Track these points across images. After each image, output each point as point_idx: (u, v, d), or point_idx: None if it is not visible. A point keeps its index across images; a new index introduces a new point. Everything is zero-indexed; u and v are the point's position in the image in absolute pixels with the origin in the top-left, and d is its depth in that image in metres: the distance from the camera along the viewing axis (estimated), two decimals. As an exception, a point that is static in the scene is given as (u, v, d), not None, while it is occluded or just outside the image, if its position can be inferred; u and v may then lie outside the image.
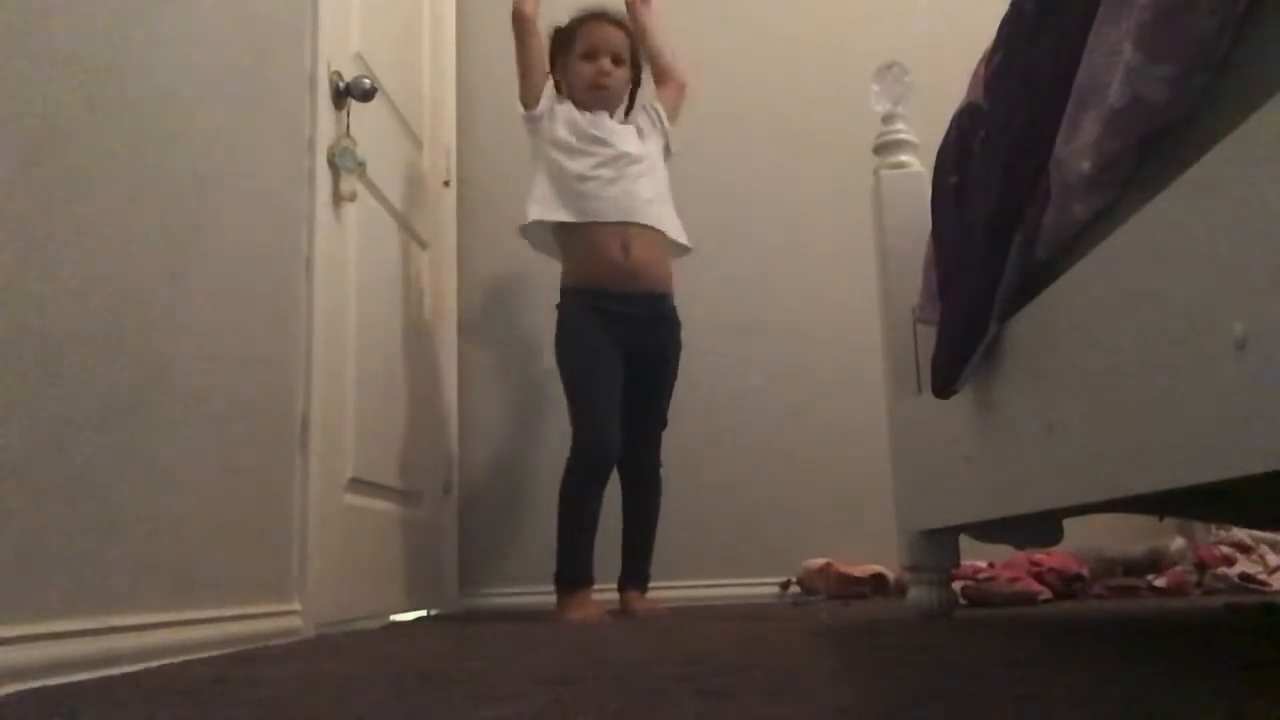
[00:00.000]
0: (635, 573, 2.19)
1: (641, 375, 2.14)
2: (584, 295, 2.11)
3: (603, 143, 2.16)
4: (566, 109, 2.21)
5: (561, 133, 2.17)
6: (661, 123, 2.31)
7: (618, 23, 2.30)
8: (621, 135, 2.22)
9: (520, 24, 2.17)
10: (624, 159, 2.15)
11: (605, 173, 2.12)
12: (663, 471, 2.23)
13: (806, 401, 2.70)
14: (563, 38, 2.29)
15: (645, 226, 2.12)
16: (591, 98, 2.23)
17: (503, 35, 2.22)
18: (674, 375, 2.23)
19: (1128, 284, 0.79)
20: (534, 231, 2.18)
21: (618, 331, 2.09)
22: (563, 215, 2.11)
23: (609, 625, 1.80)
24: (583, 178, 2.12)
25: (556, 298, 2.18)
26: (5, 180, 0.99)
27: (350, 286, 1.96)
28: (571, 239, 2.15)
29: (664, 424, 2.22)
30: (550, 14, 2.26)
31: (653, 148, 2.26)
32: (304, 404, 1.71)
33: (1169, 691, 0.75)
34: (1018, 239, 1.07)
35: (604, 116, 2.23)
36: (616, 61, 2.26)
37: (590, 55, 2.23)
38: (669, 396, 2.22)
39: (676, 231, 2.20)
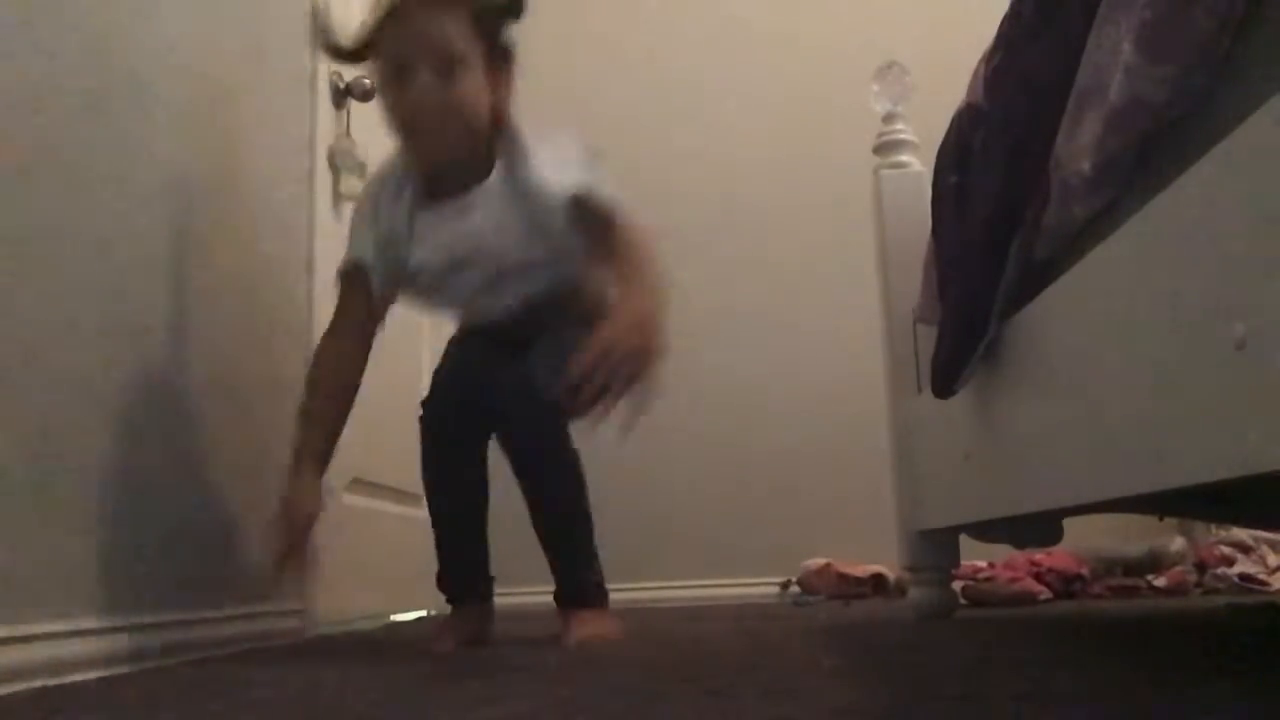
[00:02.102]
0: (563, 582, 1.48)
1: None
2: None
3: (464, 289, 1.39)
4: (403, 205, 1.36)
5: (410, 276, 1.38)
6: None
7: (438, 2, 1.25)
8: (488, 238, 1.33)
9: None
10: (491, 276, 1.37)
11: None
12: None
13: (807, 401, 2.70)
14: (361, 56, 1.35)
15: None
16: (421, 151, 1.33)
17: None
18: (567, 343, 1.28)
19: (1127, 284, 0.79)
20: None
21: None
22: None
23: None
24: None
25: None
26: (4, 181, 0.99)
27: (350, 286, 1.96)
28: None
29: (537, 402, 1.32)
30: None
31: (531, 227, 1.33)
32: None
33: (1169, 691, 0.75)
34: (1018, 239, 1.07)
35: (454, 204, 1.33)
36: (445, 66, 1.24)
37: (398, 74, 1.27)
38: (554, 354, 1.29)
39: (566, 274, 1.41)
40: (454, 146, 1.31)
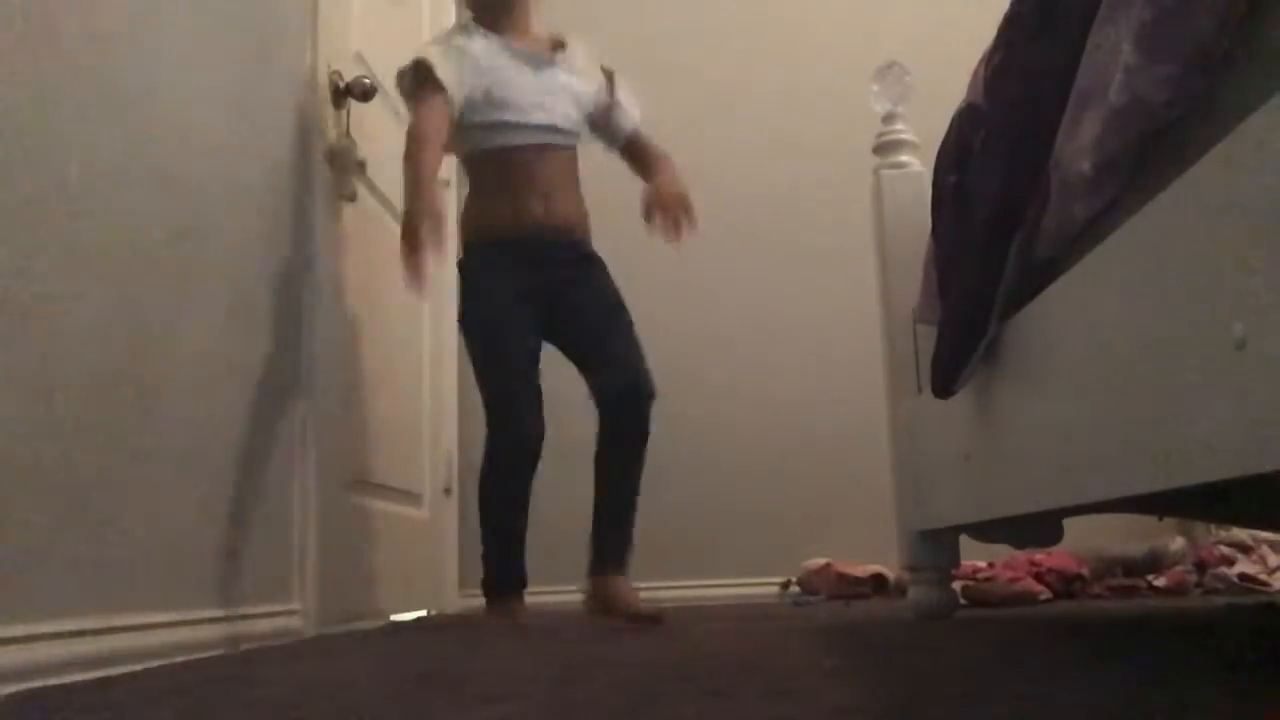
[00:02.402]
0: (603, 548, 1.75)
1: (579, 325, 1.82)
2: (488, 248, 1.81)
3: (513, 104, 1.78)
4: (471, 49, 1.79)
5: (471, 96, 1.76)
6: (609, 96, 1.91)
7: None
8: (543, 76, 1.83)
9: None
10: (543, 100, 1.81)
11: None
12: (662, 447, 1.87)
13: (807, 401, 2.70)
14: None
15: (557, 148, 1.82)
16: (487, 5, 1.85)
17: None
18: (621, 310, 1.85)
19: (1128, 284, 0.79)
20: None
21: (530, 286, 1.77)
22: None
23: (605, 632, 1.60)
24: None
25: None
26: (5, 181, 0.99)
27: (350, 286, 1.96)
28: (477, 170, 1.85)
29: (646, 385, 1.80)
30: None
31: (577, 102, 1.87)
32: (304, 404, 1.71)
33: (1169, 691, 0.75)
34: (1018, 239, 1.07)
35: (512, 40, 1.83)
36: None
37: None
38: (627, 334, 1.82)
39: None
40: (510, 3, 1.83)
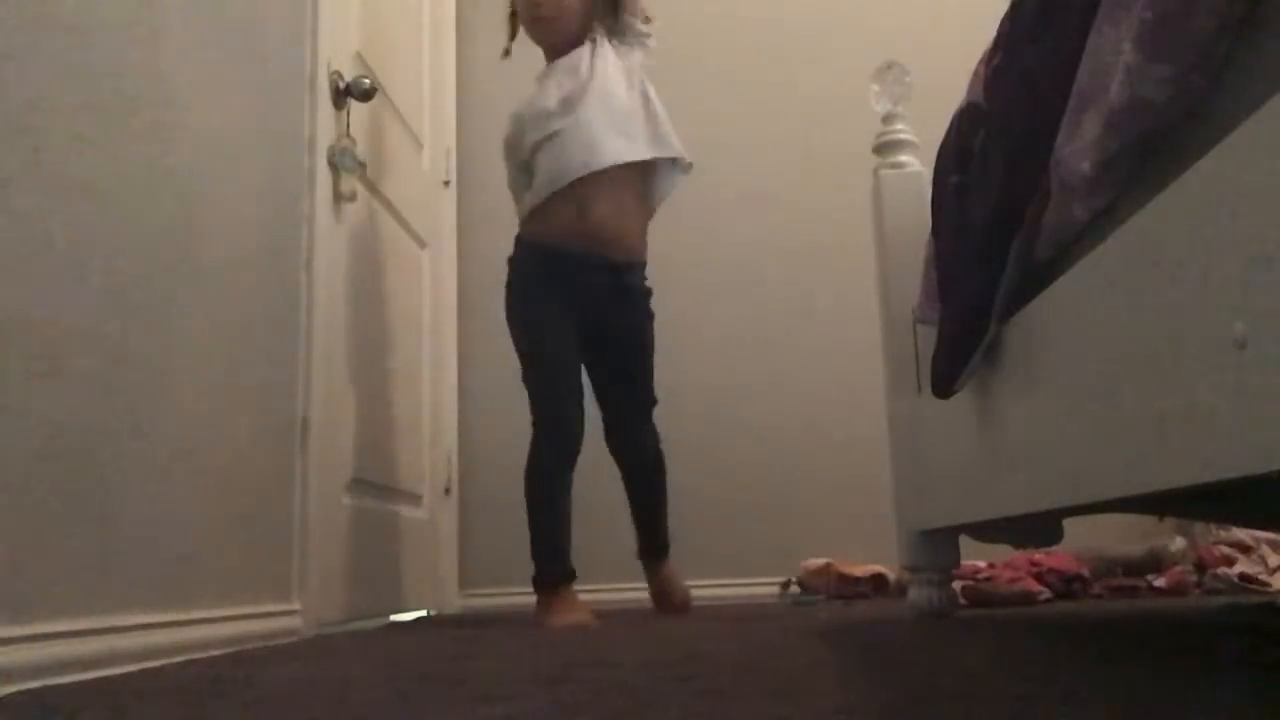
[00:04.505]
0: (652, 544, 2.06)
1: (611, 355, 1.97)
2: (538, 254, 1.90)
3: (550, 95, 1.88)
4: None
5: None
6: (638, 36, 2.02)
7: None
8: (579, 71, 1.90)
9: None
10: (575, 97, 1.87)
11: (556, 124, 1.86)
12: (663, 447, 2.09)
13: (807, 401, 2.70)
14: None
15: (604, 172, 1.85)
16: (533, 33, 1.98)
17: (502, 34, 2.22)
18: (650, 347, 2.02)
19: (1127, 284, 0.79)
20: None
21: (574, 301, 1.88)
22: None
23: (598, 629, 1.65)
24: (537, 135, 1.88)
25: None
26: (5, 181, 1.00)
27: (350, 286, 1.96)
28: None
29: (652, 400, 2.03)
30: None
31: (625, 68, 1.97)
32: (304, 404, 1.71)
33: (1169, 691, 0.75)
34: (1018, 239, 1.07)
35: (559, 63, 1.94)
36: None
37: None
38: (650, 371, 2.02)
39: (657, 147, 1.94)
40: (554, 30, 1.96)
